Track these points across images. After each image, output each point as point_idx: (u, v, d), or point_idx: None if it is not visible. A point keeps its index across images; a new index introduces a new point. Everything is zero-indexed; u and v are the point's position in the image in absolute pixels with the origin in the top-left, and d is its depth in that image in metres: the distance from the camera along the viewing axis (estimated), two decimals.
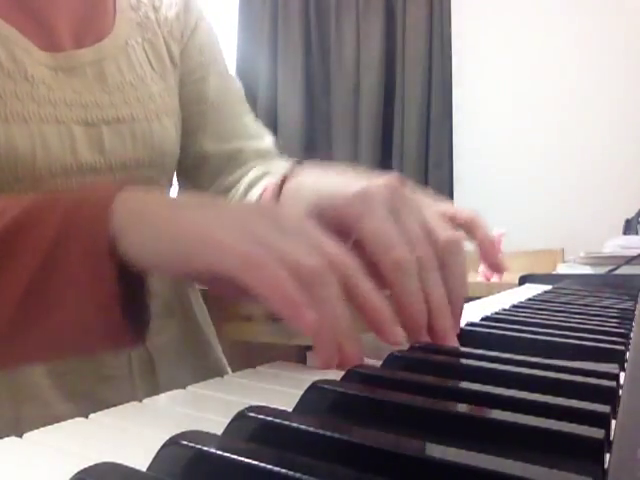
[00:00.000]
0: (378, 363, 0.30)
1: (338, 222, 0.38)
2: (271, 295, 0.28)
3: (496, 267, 0.51)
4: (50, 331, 0.33)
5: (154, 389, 0.59)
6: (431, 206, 0.42)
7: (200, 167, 0.68)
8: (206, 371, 0.66)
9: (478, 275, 1.83)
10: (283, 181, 0.52)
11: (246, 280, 0.28)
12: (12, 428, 0.48)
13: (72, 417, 0.22)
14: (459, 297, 0.39)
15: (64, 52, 0.55)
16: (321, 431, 0.18)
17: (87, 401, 0.54)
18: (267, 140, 0.73)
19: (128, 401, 0.25)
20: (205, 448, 0.17)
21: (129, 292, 0.32)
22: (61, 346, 0.36)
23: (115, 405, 0.24)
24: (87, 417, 0.22)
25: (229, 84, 0.74)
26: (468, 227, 0.51)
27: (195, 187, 0.68)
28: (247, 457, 0.16)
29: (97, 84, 0.57)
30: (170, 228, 0.31)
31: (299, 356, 1.29)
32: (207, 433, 0.18)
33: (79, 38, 0.57)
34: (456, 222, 0.50)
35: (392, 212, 0.37)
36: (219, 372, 0.67)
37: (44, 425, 0.21)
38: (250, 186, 0.65)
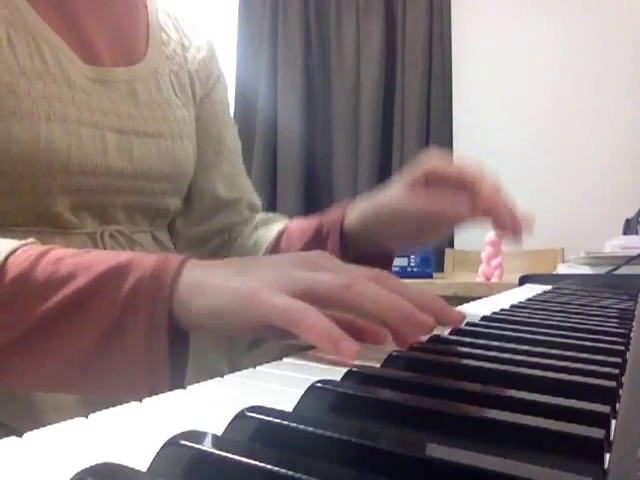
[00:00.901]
0: (378, 363, 0.30)
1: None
2: (313, 337, 0.33)
3: (515, 229, 0.56)
4: (108, 379, 0.39)
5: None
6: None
7: (199, 201, 0.75)
8: (206, 371, 0.66)
9: (478, 275, 1.83)
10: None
11: (293, 330, 0.34)
12: (28, 412, 0.52)
13: (82, 406, 0.22)
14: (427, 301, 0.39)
15: (102, 67, 0.62)
16: (321, 431, 0.18)
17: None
18: (257, 197, 0.82)
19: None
20: (205, 448, 0.17)
21: (175, 352, 0.38)
22: (113, 390, 0.41)
23: (123, 399, 0.24)
24: (87, 417, 0.22)
25: (238, 141, 0.82)
26: (472, 187, 0.56)
27: (186, 219, 0.75)
28: (247, 457, 0.16)
29: (130, 99, 0.63)
30: (224, 297, 0.36)
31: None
32: (207, 433, 0.18)
33: (115, 58, 0.64)
34: (461, 182, 0.56)
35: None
36: (219, 372, 0.67)
37: (54, 408, 0.21)
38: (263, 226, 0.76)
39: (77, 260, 0.39)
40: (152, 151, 0.63)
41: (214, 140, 0.76)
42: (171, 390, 0.37)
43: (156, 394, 0.38)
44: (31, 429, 0.20)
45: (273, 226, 0.76)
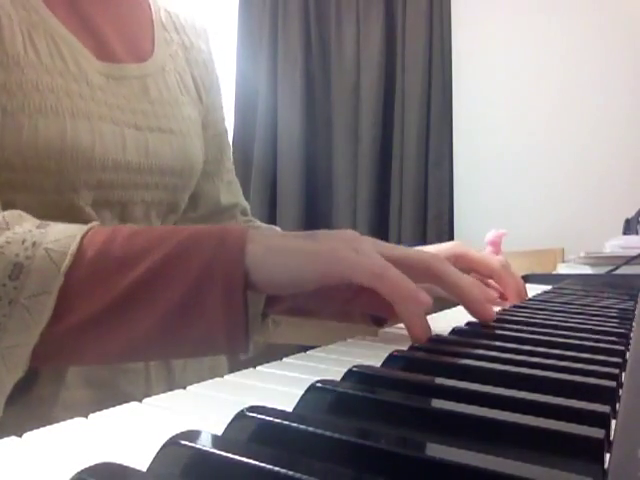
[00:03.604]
0: (378, 363, 0.30)
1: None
2: (397, 291, 0.37)
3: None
4: (187, 343, 0.41)
5: (169, 385, 0.64)
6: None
7: (203, 205, 0.77)
8: (206, 371, 0.67)
9: None
10: None
11: (376, 285, 0.37)
12: (36, 406, 0.54)
13: (88, 402, 0.22)
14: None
15: (115, 64, 0.64)
16: (321, 431, 0.18)
17: (104, 389, 0.58)
18: (245, 201, 0.86)
19: (142, 394, 0.25)
20: (205, 448, 0.17)
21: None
22: (192, 352, 0.46)
23: (129, 396, 0.25)
24: (87, 417, 0.22)
25: (230, 145, 0.85)
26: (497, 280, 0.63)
27: (188, 220, 0.77)
28: (247, 457, 0.16)
29: (142, 96, 0.65)
30: (305, 253, 0.39)
31: None
32: (207, 433, 0.18)
33: (126, 55, 0.66)
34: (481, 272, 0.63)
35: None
36: (219, 372, 0.68)
37: (63, 404, 0.22)
38: None
39: (148, 235, 0.42)
40: (165, 147, 0.65)
41: (215, 148, 0.78)
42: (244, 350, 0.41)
43: (236, 353, 0.41)
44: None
45: None
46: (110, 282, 0.40)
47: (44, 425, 0.21)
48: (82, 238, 0.41)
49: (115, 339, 0.41)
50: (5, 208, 0.53)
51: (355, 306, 0.48)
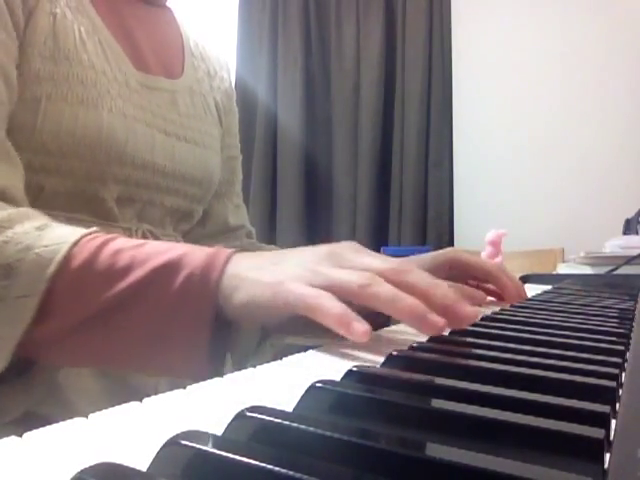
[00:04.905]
0: (378, 363, 0.30)
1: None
2: (330, 320, 0.36)
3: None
4: (154, 362, 0.43)
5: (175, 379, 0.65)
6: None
7: (212, 223, 0.82)
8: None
9: None
10: None
11: (312, 316, 0.37)
12: (51, 394, 0.56)
13: (99, 392, 0.23)
14: (436, 287, 0.40)
15: (150, 75, 0.69)
16: (321, 431, 0.18)
17: (114, 381, 0.60)
18: (250, 226, 0.90)
19: (151, 387, 0.26)
20: (205, 448, 0.17)
21: (217, 340, 0.41)
22: (158, 370, 0.47)
23: (137, 388, 0.25)
24: (87, 416, 0.22)
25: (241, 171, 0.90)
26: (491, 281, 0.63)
27: (196, 236, 0.80)
28: (247, 457, 0.16)
29: (172, 107, 0.70)
30: (256, 289, 0.40)
31: None
32: (207, 433, 0.18)
33: (159, 69, 0.71)
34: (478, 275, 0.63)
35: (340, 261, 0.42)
36: (219, 372, 0.68)
37: (74, 389, 0.22)
38: None
39: (134, 252, 0.43)
40: (189, 155, 0.70)
41: (229, 171, 0.84)
42: (211, 376, 0.39)
43: (196, 379, 0.41)
44: (60, 417, 0.20)
45: None
46: (89, 295, 0.41)
47: (52, 394, 0.21)
48: (73, 245, 0.42)
49: (88, 350, 0.43)
50: (35, 192, 0.57)
51: None
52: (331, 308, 0.36)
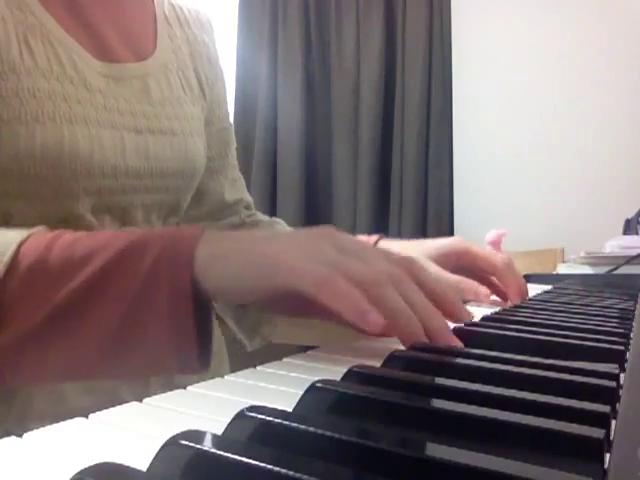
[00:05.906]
0: (378, 363, 0.30)
1: None
2: (342, 305, 0.33)
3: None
4: (133, 359, 0.38)
5: (169, 388, 0.63)
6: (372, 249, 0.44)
7: (207, 203, 0.77)
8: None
9: None
10: None
11: (319, 296, 0.33)
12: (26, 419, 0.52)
13: (87, 410, 0.22)
14: (442, 297, 0.39)
15: (115, 63, 0.62)
16: (321, 431, 0.18)
17: (103, 396, 0.57)
18: (249, 195, 0.85)
19: (140, 398, 0.25)
20: (205, 448, 0.17)
21: (200, 325, 0.36)
22: (140, 371, 0.41)
23: (125, 399, 0.25)
24: (87, 417, 0.22)
25: (234, 140, 0.83)
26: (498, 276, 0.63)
27: (190, 218, 0.76)
28: (247, 457, 0.16)
29: (143, 96, 0.63)
30: (248, 260, 0.36)
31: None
32: (207, 433, 0.18)
33: (126, 53, 0.63)
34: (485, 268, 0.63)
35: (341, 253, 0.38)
36: (219, 372, 0.68)
37: (57, 416, 0.21)
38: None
39: (91, 241, 0.39)
40: (166, 149, 0.64)
41: (220, 144, 0.78)
42: (201, 367, 0.37)
43: (186, 369, 0.38)
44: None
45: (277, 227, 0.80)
46: (46, 294, 0.37)
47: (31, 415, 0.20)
48: (19, 246, 0.39)
49: (53, 357, 0.38)
50: (6, 218, 0.52)
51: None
52: (346, 291, 0.33)
